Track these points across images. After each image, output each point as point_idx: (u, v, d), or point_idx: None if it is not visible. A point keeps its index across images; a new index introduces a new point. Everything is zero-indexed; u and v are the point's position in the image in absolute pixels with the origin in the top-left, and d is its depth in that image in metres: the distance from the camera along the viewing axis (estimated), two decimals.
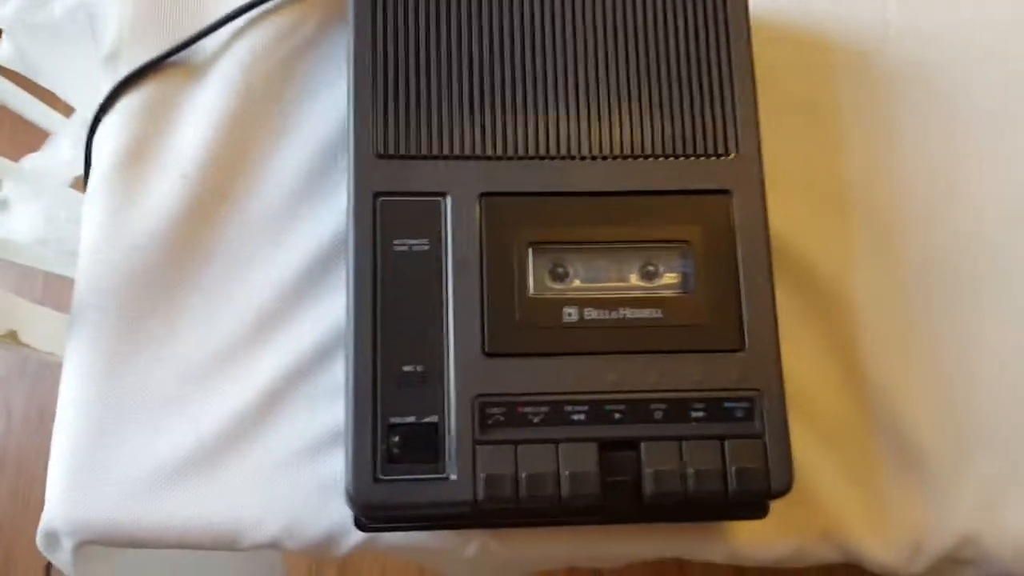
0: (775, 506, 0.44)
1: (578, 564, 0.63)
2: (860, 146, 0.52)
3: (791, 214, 0.49)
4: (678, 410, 0.41)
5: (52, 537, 0.45)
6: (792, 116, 0.52)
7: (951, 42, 0.54)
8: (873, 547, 0.47)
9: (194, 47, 0.50)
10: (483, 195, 0.42)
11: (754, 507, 0.43)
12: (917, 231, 0.51)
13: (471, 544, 0.45)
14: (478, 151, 0.43)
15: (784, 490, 0.41)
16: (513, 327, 0.41)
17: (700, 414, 0.41)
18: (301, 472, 0.45)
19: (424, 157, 0.43)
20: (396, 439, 0.40)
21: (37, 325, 0.50)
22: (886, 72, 0.54)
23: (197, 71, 0.50)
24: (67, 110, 0.61)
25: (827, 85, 0.53)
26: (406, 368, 0.41)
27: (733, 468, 0.40)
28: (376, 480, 0.39)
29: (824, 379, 0.49)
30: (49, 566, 1.03)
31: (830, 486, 0.47)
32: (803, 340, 0.48)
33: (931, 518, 0.47)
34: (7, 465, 1.18)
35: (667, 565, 1.11)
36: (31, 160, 0.54)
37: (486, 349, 0.41)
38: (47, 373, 1.22)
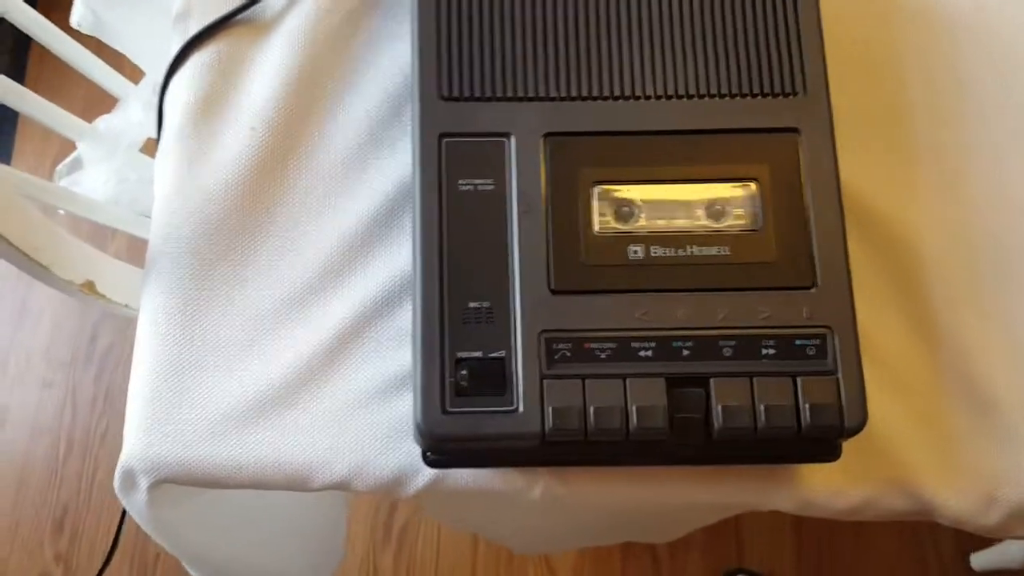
0: (845, 452, 0.44)
1: (639, 527, 0.63)
2: (925, 92, 0.52)
3: (856, 159, 0.49)
4: (748, 347, 0.41)
5: (129, 476, 0.46)
6: (857, 64, 0.51)
7: None
8: (946, 496, 0.46)
9: (261, 4, 0.51)
10: (548, 135, 0.43)
11: (826, 448, 0.43)
12: (985, 175, 0.50)
13: (536, 486, 0.45)
14: (542, 92, 0.43)
15: (858, 427, 0.40)
16: (578, 264, 0.41)
17: (771, 351, 0.41)
18: (370, 414, 0.46)
19: (488, 99, 0.43)
20: (464, 373, 0.40)
21: (113, 276, 0.51)
22: (950, 20, 0.53)
23: (264, 27, 0.51)
24: (135, 78, 0.63)
25: (892, 34, 0.53)
26: (472, 304, 0.41)
27: (806, 405, 0.40)
28: (445, 412, 0.40)
29: (893, 325, 0.48)
30: (116, 541, 1.07)
31: (901, 432, 0.46)
32: (871, 286, 0.48)
33: (1005, 467, 0.46)
34: (74, 447, 1.21)
35: (724, 542, 1.11)
36: (104, 121, 0.56)
37: (552, 286, 0.41)
38: (111, 357, 1.25)
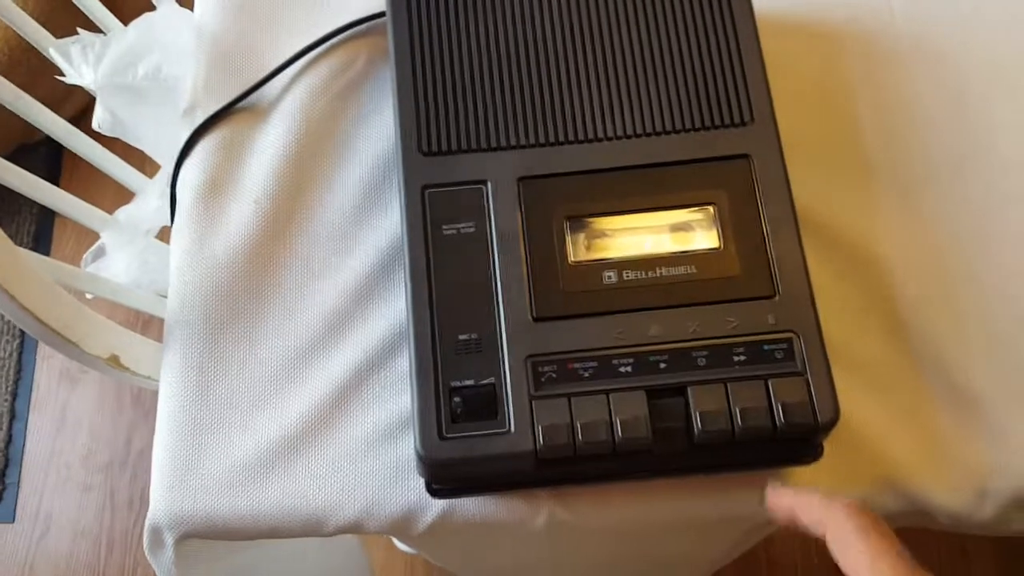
0: (833, 455, 0.46)
1: (651, 563, 0.63)
2: (875, 118, 0.55)
3: (815, 183, 0.52)
4: (720, 355, 0.43)
5: (156, 534, 0.49)
6: (807, 97, 0.55)
7: (954, 14, 0.57)
8: (938, 492, 0.47)
9: (259, 92, 0.56)
10: (521, 179, 0.47)
11: (807, 448, 0.45)
12: (943, 186, 0.53)
13: (540, 513, 0.48)
14: (513, 141, 0.47)
15: (831, 422, 0.42)
16: (557, 293, 0.45)
17: (741, 358, 0.43)
18: (377, 457, 0.49)
19: (464, 151, 0.47)
20: (458, 400, 0.43)
21: (136, 351, 0.55)
22: (894, 50, 0.57)
23: (263, 112, 0.56)
24: (153, 174, 0.68)
25: (838, 67, 0.57)
26: (462, 337, 0.44)
27: (779, 404, 0.42)
28: (442, 438, 0.42)
29: (867, 332, 0.50)
30: None
31: (886, 432, 0.48)
32: (842, 296, 0.50)
33: (993, 460, 0.48)
34: (115, 547, 1.24)
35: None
36: (123, 212, 0.61)
37: (534, 315, 0.44)
38: (145, 460, 1.29)
